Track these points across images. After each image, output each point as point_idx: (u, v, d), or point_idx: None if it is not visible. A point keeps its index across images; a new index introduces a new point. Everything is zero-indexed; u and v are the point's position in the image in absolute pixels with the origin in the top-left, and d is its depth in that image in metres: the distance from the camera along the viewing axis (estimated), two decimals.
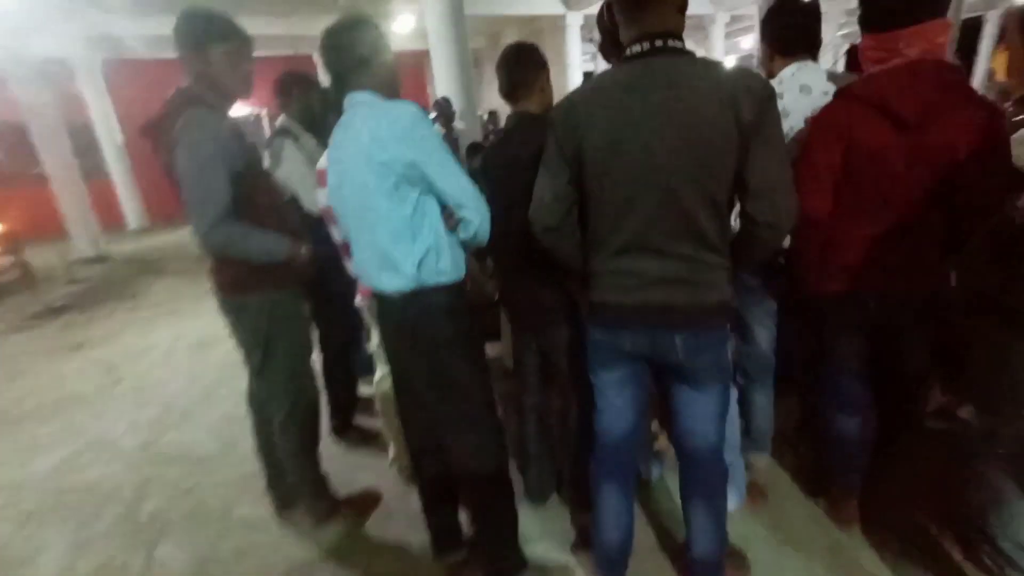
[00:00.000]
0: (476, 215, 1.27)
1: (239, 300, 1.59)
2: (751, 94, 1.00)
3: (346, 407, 2.49)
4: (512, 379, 1.92)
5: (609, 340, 1.26)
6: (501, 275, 1.77)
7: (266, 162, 1.97)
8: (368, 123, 1.21)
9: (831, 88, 1.49)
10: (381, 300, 1.38)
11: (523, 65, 1.53)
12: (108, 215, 9.29)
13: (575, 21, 10.10)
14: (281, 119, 2.13)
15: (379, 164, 1.19)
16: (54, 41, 7.69)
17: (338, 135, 1.31)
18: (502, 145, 1.62)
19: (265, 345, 1.62)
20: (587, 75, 12.79)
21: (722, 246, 1.14)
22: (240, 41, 1.47)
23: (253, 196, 1.50)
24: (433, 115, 4.81)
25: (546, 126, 1.23)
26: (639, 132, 1.05)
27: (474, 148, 4.25)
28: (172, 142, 1.36)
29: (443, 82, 5.27)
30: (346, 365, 2.51)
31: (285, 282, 1.61)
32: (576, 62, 10.39)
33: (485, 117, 6.76)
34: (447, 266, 1.30)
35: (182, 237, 8.55)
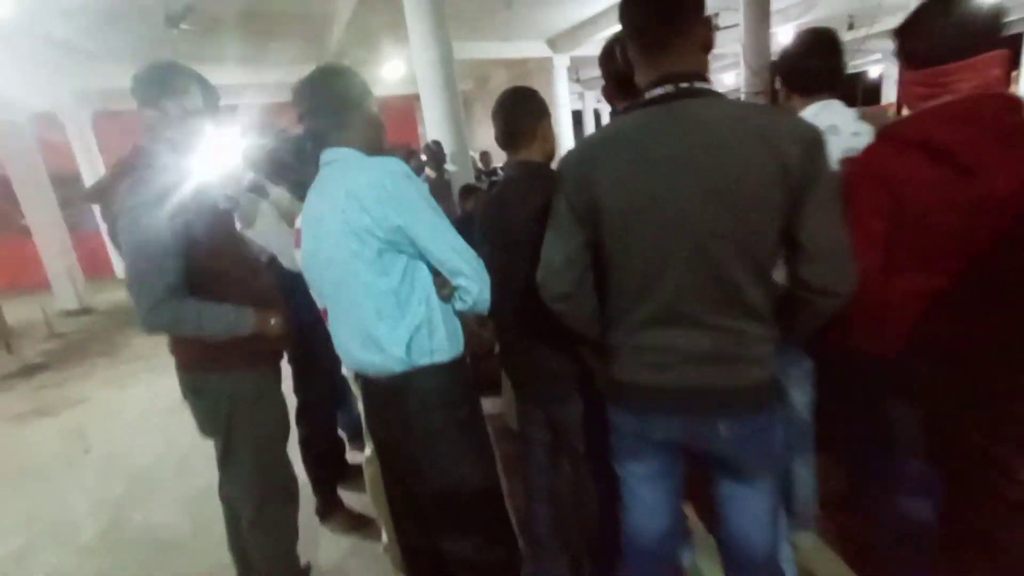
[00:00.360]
0: (475, 283, 1.09)
1: (197, 380, 1.39)
2: (799, 141, 0.85)
3: (331, 484, 2.22)
4: (515, 441, 1.71)
5: (637, 427, 1.06)
6: (501, 338, 1.59)
7: (237, 224, 1.80)
8: (346, 183, 1.05)
9: (863, 128, 1.35)
10: (366, 382, 1.18)
11: (522, 113, 1.37)
12: (97, 266, 9.18)
13: (562, 63, 10.49)
14: (249, 175, 1.98)
15: (360, 229, 1.02)
16: (43, 95, 7.68)
17: (313, 196, 1.14)
18: (501, 196, 1.45)
19: (227, 432, 1.40)
20: (575, 114, 13.16)
21: (767, 314, 0.96)
22: (202, 94, 1.32)
23: (215, 264, 1.32)
24: (424, 159, 4.74)
25: (551, 177, 1.08)
26: (666, 185, 0.90)
27: (468, 190, 4.15)
28: (116, 208, 1.19)
29: (434, 125, 5.24)
30: (330, 435, 2.26)
31: (255, 359, 1.41)
32: (564, 102, 10.97)
33: (476, 157, 6.75)
34: (442, 343, 1.11)
35: None
